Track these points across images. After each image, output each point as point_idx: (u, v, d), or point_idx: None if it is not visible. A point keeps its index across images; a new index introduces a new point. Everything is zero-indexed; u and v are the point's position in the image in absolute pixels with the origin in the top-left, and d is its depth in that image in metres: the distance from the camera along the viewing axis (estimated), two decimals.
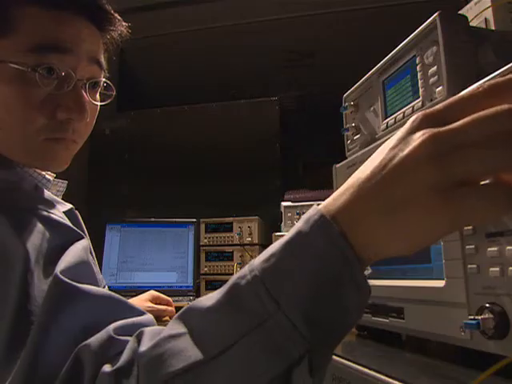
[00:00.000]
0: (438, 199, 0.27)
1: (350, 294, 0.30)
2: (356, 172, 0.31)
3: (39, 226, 0.43)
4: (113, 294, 0.41)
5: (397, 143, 0.29)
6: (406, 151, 0.28)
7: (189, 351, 0.31)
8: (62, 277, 0.39)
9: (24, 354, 0.35)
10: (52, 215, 0.46)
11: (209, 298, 0.32)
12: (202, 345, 0.31)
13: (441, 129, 0.28)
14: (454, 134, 0.27)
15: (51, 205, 0.49)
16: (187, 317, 0.33)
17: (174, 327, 0.33)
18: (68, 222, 0.47)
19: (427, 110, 0.30)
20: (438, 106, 0.30)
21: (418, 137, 0.28)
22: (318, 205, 0.32)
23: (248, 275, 0.31)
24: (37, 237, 0.42)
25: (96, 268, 0.54)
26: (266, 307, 0.30)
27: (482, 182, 0.28)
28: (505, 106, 0.26)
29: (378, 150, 0.31)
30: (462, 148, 0.27)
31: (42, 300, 0.38)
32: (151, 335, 0.34)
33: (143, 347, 0.33)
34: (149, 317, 0.41)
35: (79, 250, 0.44)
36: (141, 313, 0.41)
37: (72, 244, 0.44)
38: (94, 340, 0.35)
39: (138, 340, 0.34)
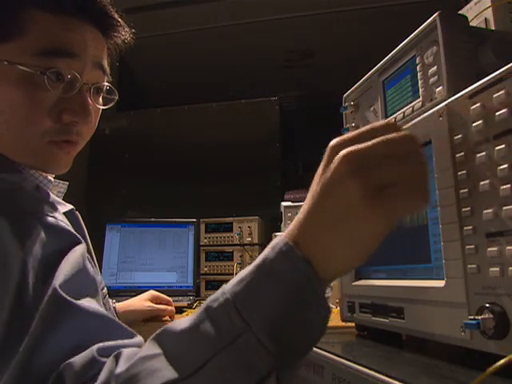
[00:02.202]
0: (368, 206, 0.32)
1: (313, 312, 0.33)
2: (304, 204, 0.37)
3: (39, 231, 0.43)
4: (106, 313, 0.42)
5: (322, 171, 0.35)
6: (330, 173, 0.34)
7: (163, 371, 0.32)
8: (61, 292, 0.39)
9: (14, 363, 0.36)
10: (52, 219, 0.46)
11: (183, 321, 0.34)
12: (176, 364, 0.32)
13: (352, 148, 0.33)
14: (363, 150, 0.33)
15: (52, 207, 0.49)
16: (162, 338, 0.35)
17: (150, 348, 0.34)
18: (67, 226, 0.47)
19: (339, 138, 0.36)
20: (348, 134, 0.36)
21: (336, 159, 0.34)
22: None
23: (220, 298, 0.34)
24: (36, 243, 0.42)
25: (95, 269, 0.54)
26: (237, 327, 0.32)
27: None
28: (401, 133, 0.34)
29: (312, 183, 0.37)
30: (372, 160, 0.33)
31: (39, 312, 0.38)
32: (128, 356, 0.35)
33: (119, 368, 0.34)
34: (138, 339, 0.42)
35: (77, 257, 0.44)
36: (131, 335, 0.42)
37: (70, 249, 0.44)
38: (78, 359, 0.36)
39: (116, 361, 0.35)
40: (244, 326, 0.32)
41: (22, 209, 0.45)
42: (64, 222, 0.47)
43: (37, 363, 0.36)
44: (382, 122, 0.36)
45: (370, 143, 0.33)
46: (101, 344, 0.38)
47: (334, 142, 0.36)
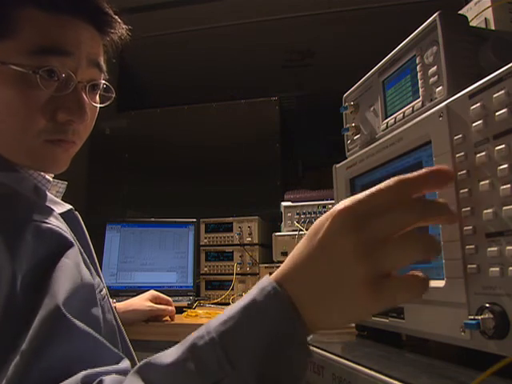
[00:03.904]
0: (366, 292, 0.32)
1: (297, 356, 0.33)
2: (297, 249, 0.36)
3: (31, 239, 0.43)
4: (97, 335, 0.42)
5: (318, 228, 0.35)
6: (325, 227, 0.34)
7: None
8: (64, 311, 0.39)
9: (4, 379, 0.36)
10: (45, 224, 0.45)
11: (168, 355, 0.34)
12: None
13: (346, 205, 0.34)
14: (358, 206, 0.34)
15: (47, 211, 0.48)
16: (146, 371, 0.34)
17: (133, 381, 0.34)
18: (61, 229, 0.46)
19: (345, 207, 0.34)
20: (355, 202, 0.34)
21: (328, 215, 0.34)
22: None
23: (206, 336, 0.33)
24: (27, 252, 0.42)
25: (94, 271, 0.54)
26: (223, 367, 0.32)
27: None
28: (395, 178, 0.34)
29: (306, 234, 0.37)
30: (367, 215, 0.33)
31: (36, 328, 0.38)
32: None
33: None
34: (124, 365, 0.42)
35: (72, 268, 0.44)
36: (118, 358, 0.42)
37: (61, 254, 0.44)
38: None
39: None
40: (230, 366, 0.31)
41: (16, 216, 0.45)
42: (57, 226, 0.46)
43: None
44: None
45: (363, 196, 0.34)
46: (86, 372, 0.37)
47: (338, 211, 0.34)
